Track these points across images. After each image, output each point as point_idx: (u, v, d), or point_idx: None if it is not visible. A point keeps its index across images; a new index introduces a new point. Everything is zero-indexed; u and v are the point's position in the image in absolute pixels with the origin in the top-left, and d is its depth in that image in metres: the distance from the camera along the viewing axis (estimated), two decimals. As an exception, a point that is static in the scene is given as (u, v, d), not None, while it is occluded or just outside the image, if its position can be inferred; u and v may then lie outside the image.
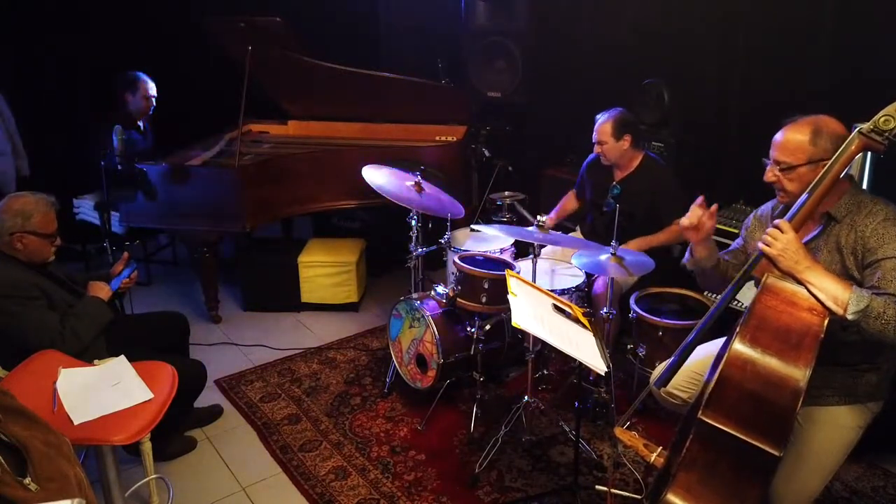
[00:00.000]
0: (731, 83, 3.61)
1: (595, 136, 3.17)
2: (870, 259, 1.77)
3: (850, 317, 1.65)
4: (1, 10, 4.41)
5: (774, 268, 1.75)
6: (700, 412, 1.66)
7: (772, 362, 1.61)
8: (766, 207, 2.17)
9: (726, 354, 1.65)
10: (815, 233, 1.92)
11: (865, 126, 1.66)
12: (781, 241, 1.72)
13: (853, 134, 1.68)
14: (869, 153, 2.66)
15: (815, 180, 1.74)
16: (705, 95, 3.73)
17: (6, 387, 1.90)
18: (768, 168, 1.93)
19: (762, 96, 3.43)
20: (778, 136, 1.91)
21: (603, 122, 3.14)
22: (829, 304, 1.66)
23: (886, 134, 1.63)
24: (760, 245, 1.77)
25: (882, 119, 1.63)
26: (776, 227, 1.75)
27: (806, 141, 1.84)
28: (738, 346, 1.65)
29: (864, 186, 2.69)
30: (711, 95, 3.72)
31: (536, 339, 2.81)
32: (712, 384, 1.65)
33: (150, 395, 2.20)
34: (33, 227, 2.48)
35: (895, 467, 2.75)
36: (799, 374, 1.58)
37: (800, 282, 1.71)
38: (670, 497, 1.71)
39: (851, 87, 2.99)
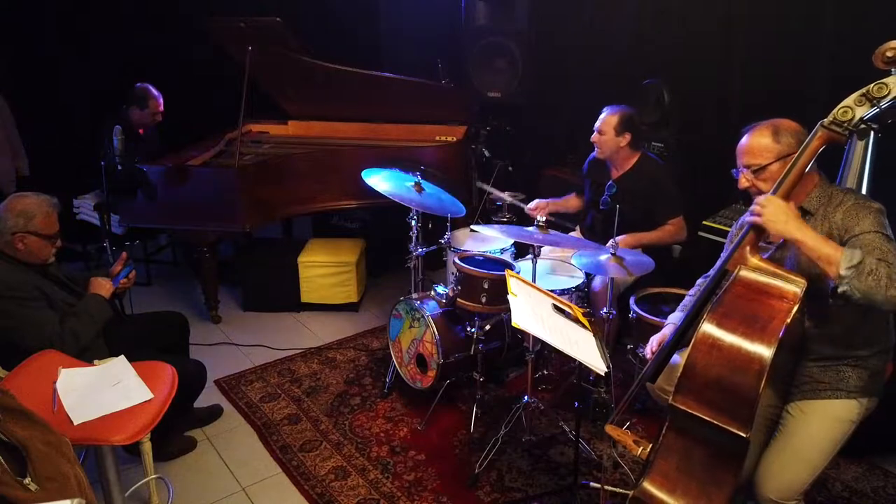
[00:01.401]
0: (731, 83, 3.61)
1: (598, 125, 3.16)
2: (847, 237, 1.81)
3: (843, 272, 1.65)
4: (1, 10, 4.41)
5: (762, 238, 1.79)
6: (671, 398, 1.68)
7: (737, 343, 1.64)
8: (744, 218, 2.20)
9: (693, 338, 1.68)
10: None
11: (826, 119, 1.72)
12: (770, 205, 1.75)
13: (816, 127, 1.73)
14: (869, 153, 2.69)
15: (783, 174, 1.79)
16: (705, 95, 3.73)
17: (6, 387, 1.91)
18: (740, 176, 1.99)
19: (762, 96, 3.42)
20: (742, 143, 1.97)
21: (610, 114, 3.14)
22: (822, 263, 1.69)
23: (846, 125, 1.69)
24: (749, 217, 1.80)
25: (840, 111, 1.70)
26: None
27: (770, 140, 1.91)
28: (705, 329, 1.68)
29: (864, 184, 2.70)
30: (711, 95, 3.72)
31: (536, 339, 2.81)
32: (680, 368, 1.68)
33: (150, 396, 2.21)
34: (35, 228, 2.48)
35: (895, 467, 2.75)
36: (763, 352, 1.60)
37: (792, 242, 1.74)
38: (646, 485, 1.73)
39: (851, 87, 2.98)
